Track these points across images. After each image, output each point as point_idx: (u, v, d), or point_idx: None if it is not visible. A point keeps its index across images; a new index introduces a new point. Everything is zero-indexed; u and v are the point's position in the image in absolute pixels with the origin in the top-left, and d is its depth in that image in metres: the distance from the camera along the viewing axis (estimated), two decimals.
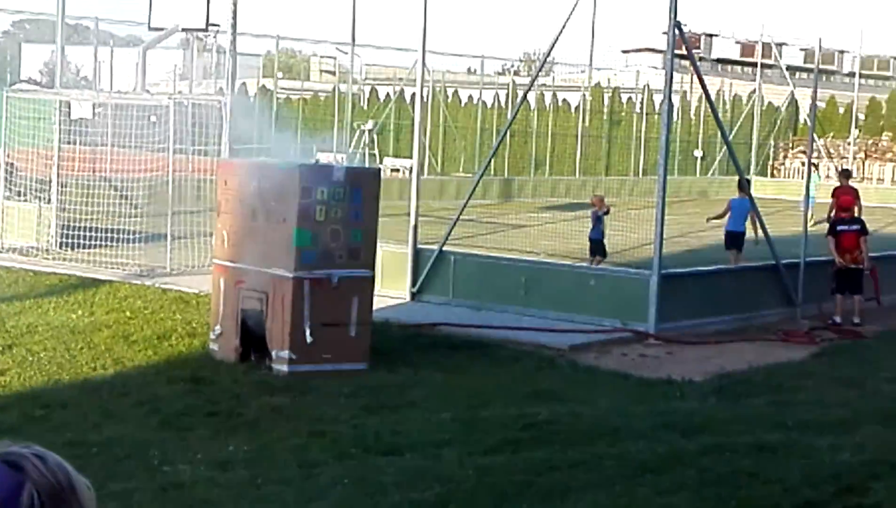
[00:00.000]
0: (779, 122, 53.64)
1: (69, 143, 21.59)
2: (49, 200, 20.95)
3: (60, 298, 16.20)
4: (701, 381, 13.13)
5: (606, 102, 49.27)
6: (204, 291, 15.70)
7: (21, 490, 2.18)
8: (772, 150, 53.50)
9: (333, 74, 51.60)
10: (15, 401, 11.06)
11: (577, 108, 47.53)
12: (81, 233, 20.29)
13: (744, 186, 21.26)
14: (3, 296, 16.23)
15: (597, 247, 21.00)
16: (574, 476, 9.12)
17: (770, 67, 55.75)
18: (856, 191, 21.78)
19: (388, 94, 45.77)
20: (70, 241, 20.32)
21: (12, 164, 22.72)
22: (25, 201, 21.10)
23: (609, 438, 10.25)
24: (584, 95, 47.63)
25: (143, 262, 19.13)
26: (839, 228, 18.06)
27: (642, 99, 49.60)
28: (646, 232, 23.03)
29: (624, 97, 50.43)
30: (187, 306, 15.83)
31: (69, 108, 21.86)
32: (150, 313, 15.34)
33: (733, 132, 48.19)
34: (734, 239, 21.26)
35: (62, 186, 21.00)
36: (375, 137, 42.84)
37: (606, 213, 21.02)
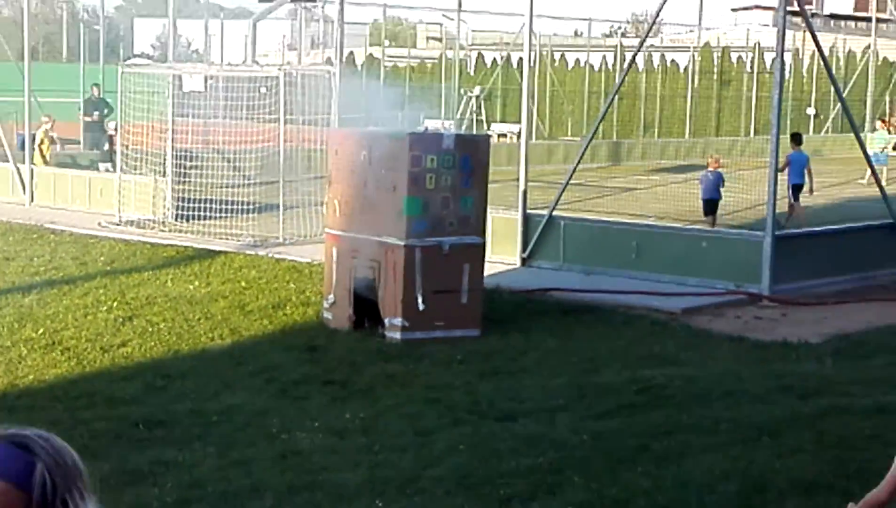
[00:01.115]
0: (894, 77, 52.37)
1: (182, 116, 21.91)
2: (164, 173, 21.30)
3: (177, 269, 16.49)
4: (817, 343, 12.93)
5: (716, 61, 48.53)
6: (317, 260, 15.86)
7: (33, 470, 2.27)
8: (887, 106, 52.26)
9: (440, 40, 51.55)
10: (137, 371, 11.31)
11: (686, 68, 46.91)
12: (196, 205, 20.62)
13: (798, 140, 22.60)
14: (122, 268, 16.58)
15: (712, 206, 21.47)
16: (690, 439, 9.06)
17: (885, 21, 54.37)
18: None
19: (494, 59, 45.61)
20: (185, 213, 20.65)
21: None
22: (141, 174, 21.47)
23: (725, 401, 10.17)
24: (693, 55, 46.98)
25: (256, 232, 19.39)
26: None
27: (753, 58, 48.75)
28: (758, 193, 22.72)
29: (734, 56, 49.63)
30: (301, 276, 16.01)
31: (181, 81, 22.18)
32: (265, 282, 15.56)
33: (847, 89, 47.11)
34: (795, 190, 22.16)
35: (177, 159, 21.33)
36: (483, 102, 42.76)
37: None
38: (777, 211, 16.15)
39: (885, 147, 25.85)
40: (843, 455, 8.58)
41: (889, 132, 29.44)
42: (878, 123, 31.05)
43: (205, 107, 22.91)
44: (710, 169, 21.96)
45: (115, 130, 22.90)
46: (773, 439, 9.03)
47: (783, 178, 22.27)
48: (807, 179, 22.24)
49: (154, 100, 21.64)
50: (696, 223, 20.72)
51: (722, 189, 21.64)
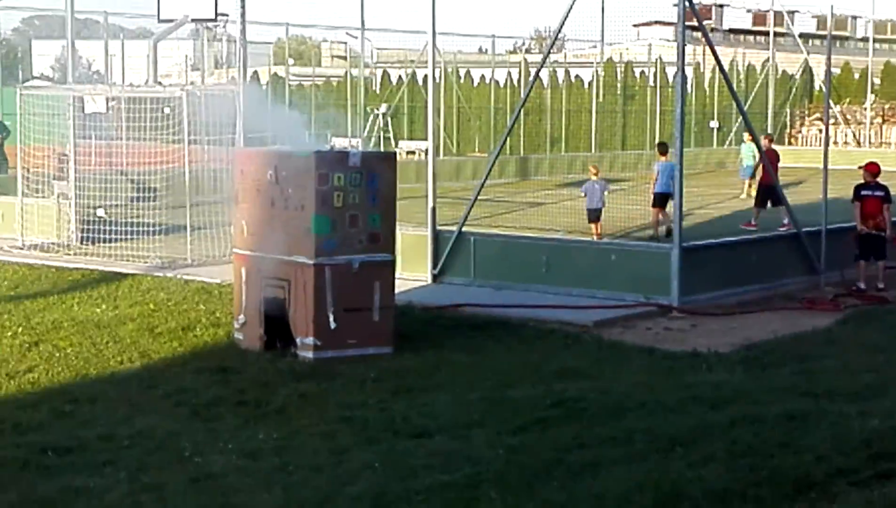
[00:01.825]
0: (794, 90, 53.34)
1: (84, 138, 21.61)
2: (67, 195, 20.98)
3: (84, 293, 16.24)
4: (727, 352, 13.09)
5: (619, 76, 49.05)
6: (226, 281, 15.72)
7: None
8: (788, 118, 53.23)
9: (345, 58, 51.50)
10: (44, 398, 11.10)
11: (590, 83, 47.35)
12: (101, 227, 20.33)
13: (665, 149, 23.30)
14: (27, 293, 16.29)
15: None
16: (604, 452, 9.10)
17: (783, 35, 55.51)
18: (777, 154, 25.49)
19: (400, 76, 45.66)
20: (90, 236, 20.37)
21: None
22: (44, 197, 21.13)
23: (637, 413, 10.22)
24: (596, 70, 47.43)
25: (163, 254, 19.16)
26: (863, 193, 17.93)
27: (655, 72, 49.37)
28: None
29: (637, 71, 50.21)
30: (210, 297, 15.85)
31: (82, 103, 21.87)
32: (174, 304, 15.37)
33: (748, 102, 47.93)
34: (661, 199, 22.66)
35: (80, 182, 21.03)
36: (389, 120, 42.77)
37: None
38: (684, 224, 16.32)
39: (756, 161, 26.43)
40: (754, 463, 8.65)
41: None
42: (746, 136, 31.31)
43: (107, 128, 22.64)
44: (595, 178, 22.50)
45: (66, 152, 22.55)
46: (685, 449, 9.08)
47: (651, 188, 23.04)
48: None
49: (55, 122, 21.31)
50: (605, 236, 20.91)
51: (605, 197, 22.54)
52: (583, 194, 22.75)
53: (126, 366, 12.34)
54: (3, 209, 22.16)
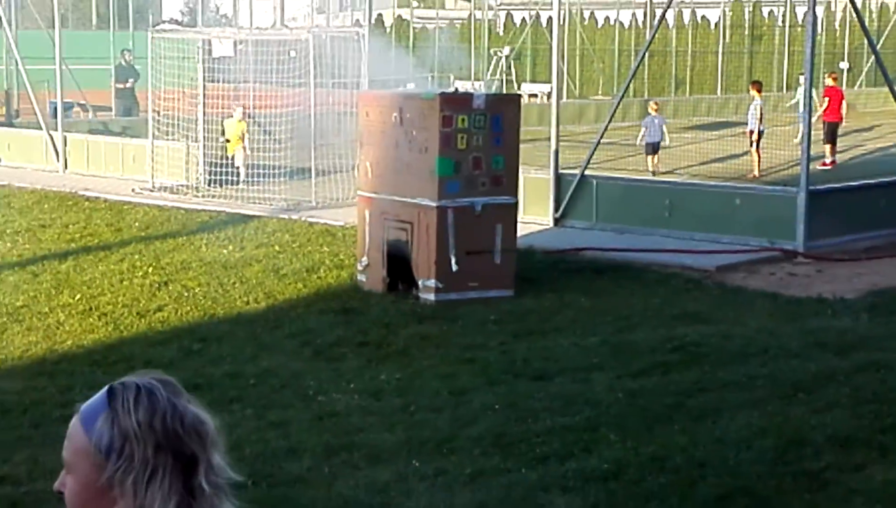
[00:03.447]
0: None
1: (212, 81, 21.92)
2: (196, 138, 21.34)
3: (211, 234, 16.56)
4: (853, 298, 12.88)
5: (747, 16, 48.12)
6: (349, 223, 15.89)
7: (97, 419, 2.32)
8: None
9: (468, 0, 51.33)
10: (173, 336, 11.39)
11: (716, 24, 46.53)
12: (228, 170, 20.65)
13: (760, 87, 24.26)
14: (156, 234, 16.66)
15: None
16: (725, 396, 9.07)
17: None
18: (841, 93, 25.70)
19: (523, 18, 45.41)
20: (218, 178, 20.71)
21: None
22: (174, 140, 21.51)
23: (760, 358, 10.16)
24: (723, 10, 46.57)
25: (288, 196, 19.42)
26: None
27: (784, 12, 48.29)
28: (792, 149, 22.64)
29: (765, 11, 49.18)
30: (334, 239, 16.05)
31: (211, 46, 22.15)
32: (298, 246, 15.60)
33: (881, 42, 46.63)
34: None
35: (208, 125, 21.36)
36: (512, 62, 42.56)
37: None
38: (812, 167, 16.03)
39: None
40: (879, 410, 8.57)
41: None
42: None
43: (235, 71, 22.93)
44: (655, 114, 23.61)
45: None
46: (809, 395, 9.02)
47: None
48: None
49: (184, 66, 21.64)
50: (730, 180, 20.65)
51: (665, 131, 23.78)
52: (643, 129, 23.75)
53: (252, 306, 12.59)
54: (134, 152, 22.64)
